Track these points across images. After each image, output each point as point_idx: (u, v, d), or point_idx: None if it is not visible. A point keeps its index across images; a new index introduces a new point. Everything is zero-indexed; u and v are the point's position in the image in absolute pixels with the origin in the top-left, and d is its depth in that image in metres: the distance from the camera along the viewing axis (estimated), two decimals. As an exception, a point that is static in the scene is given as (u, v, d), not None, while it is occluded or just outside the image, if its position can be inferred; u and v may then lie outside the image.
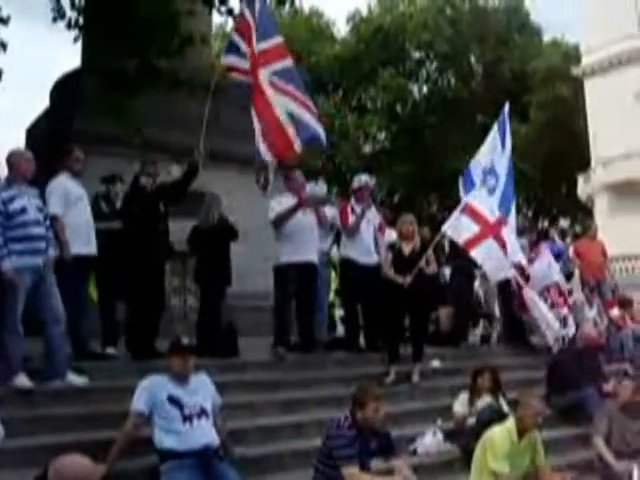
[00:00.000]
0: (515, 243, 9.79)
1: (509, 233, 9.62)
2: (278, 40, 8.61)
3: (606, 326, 11.83)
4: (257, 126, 8.25)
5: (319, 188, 10.06)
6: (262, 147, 8.23)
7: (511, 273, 9.93)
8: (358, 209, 9.79)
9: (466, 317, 11.33)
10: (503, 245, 9.36)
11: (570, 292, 11.67)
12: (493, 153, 10.12)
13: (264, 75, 8.32)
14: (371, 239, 9.78)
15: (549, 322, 10.08)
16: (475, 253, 9.36)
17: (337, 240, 10.45)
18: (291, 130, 8.19)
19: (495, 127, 10.31)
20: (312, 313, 9.45)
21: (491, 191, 9.86)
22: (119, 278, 8.22)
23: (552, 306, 10.73)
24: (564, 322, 10.69)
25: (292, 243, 8.97)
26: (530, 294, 10.27)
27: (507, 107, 10.51)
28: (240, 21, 8.67)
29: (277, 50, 8.52)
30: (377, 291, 9.24)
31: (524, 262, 10.28)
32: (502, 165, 10.06)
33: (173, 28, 10.90)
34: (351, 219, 9.74)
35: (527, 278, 10.62)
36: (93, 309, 8.34)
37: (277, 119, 8.20)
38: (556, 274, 11.31)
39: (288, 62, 8.50)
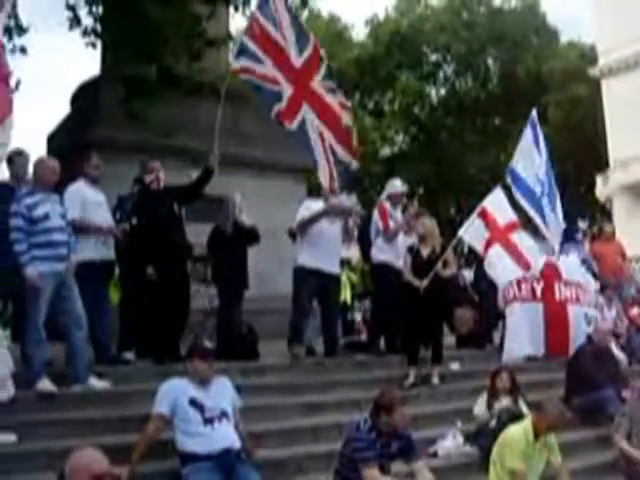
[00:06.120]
0: (533, 247, 9.59)
1: (522, 239, 9.46)
2: (313, 40, 8.79)
3: (626, 326, 11.76)
4: (325, 132, 8.64)
5: (350, 199, 10.05)
6: (339, 149, 8.68)
7: (519, 275, 9.48)
8: (395, 213, 9.94)
9: (492, 318, 11.32)
10: (512, 249, 9.27)
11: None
12: (527, 160, 9.93)
13: (317, 82, 8.64)
14: (401, 243, 9.86)
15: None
16: (485, 260, 9.47)
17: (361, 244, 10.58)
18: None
19: (528, 134, 9.99)
20: (336, 325, 9.53)
21: (528, 197, 9.83)
22: (141, 280, 8.27)
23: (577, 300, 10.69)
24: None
25: (315, 249, 9.01)
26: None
27: (534, 113, 10.12)
28: (254, 25, 8.59)
29: (317, 53, 8.75)
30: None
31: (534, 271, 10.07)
32: (539, 173, 9.96)
33: (191, 32, 10.98)
34: (391, 224, 9.82)
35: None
36: (113, 313, 8.40)
37: (342, 123, 8.72)
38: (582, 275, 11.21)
39: (325, 62, 8.79)
